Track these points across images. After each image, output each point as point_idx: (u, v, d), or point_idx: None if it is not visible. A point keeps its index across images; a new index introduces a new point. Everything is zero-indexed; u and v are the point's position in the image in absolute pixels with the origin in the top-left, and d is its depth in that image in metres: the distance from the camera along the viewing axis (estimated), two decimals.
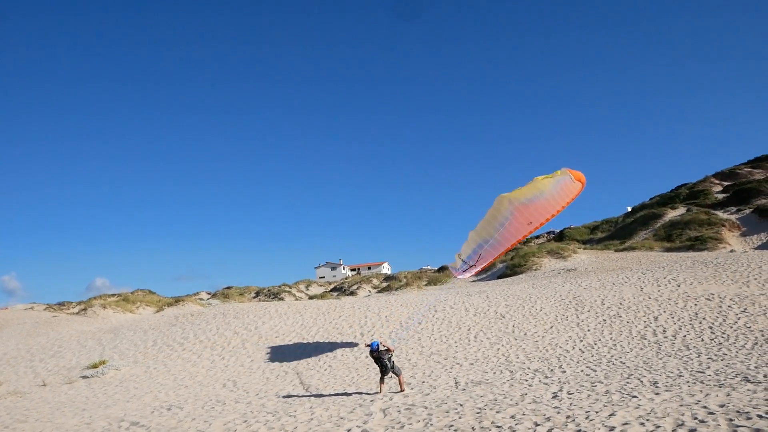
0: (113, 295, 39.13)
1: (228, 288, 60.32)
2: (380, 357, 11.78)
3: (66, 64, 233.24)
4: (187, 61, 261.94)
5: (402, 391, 11.84)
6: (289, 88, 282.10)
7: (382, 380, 12.17)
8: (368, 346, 12.36)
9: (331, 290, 56.99)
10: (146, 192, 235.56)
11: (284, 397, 12.82)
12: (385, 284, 49.95)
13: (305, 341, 20.37)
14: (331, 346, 19.19)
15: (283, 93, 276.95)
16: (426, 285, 41.75)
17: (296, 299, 51.73)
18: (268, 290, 56.38)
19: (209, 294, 57.01)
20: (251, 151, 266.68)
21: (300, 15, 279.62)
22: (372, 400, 11.09)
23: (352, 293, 50.73)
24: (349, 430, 8.72)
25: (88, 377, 17.95)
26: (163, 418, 11.14)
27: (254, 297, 53.56)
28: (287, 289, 57.14)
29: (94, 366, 18.90)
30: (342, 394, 12.40)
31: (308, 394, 12.97)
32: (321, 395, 12.62)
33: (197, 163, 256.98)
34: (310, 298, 49.48)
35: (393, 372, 11.92)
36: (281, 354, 18.92)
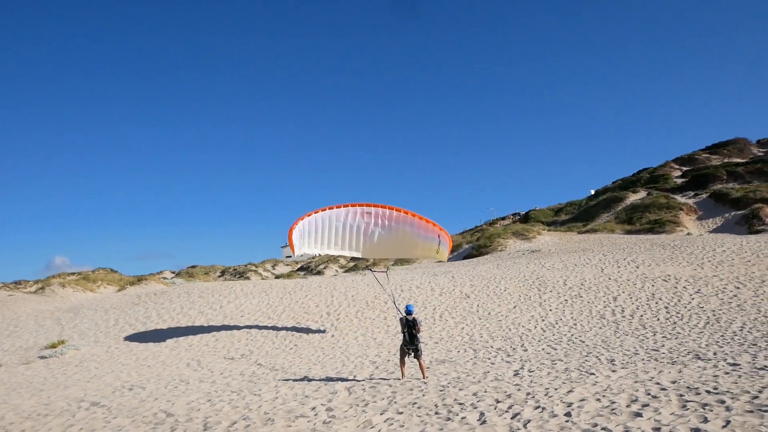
0: (73, 273, 38.04)
1: (193, 267, 59.58)
2: (414, 323, 10.52)
3: (25, 55, 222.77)
4: (160, 48, 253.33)
5: (424, 377, 10.50)
6: (258, 70, 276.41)
7: (402, 362, 10.83)
8: (407, 313, 10.73)
9: (298, 269, 56.76)
10: (107, 170, 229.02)
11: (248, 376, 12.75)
12: (352, 264, 49.98)
13: (271, 320, 20.28)
14: (297, 326, 19.18)
15: (251, 75, 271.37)
16: (393, 264, 41.97)
17: (262, 278, 51.39)
18: (234, 269, 55.88)
19: (173, 273, 56.14)
20: (215, 129, 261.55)
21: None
22: (337, 380, 11.14)
23: (319, 272, 50.66)
24: (314, 408, 8.74)
25: (46, 357, 17.49)
26: (125, 398, 10.96)
27: (219, 276, 53.00)
28: (253, 268, 56.70)
29: (53, 346, 18.41)
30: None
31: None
32: (287, 375, 12.61)
33: (160, 141, 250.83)
34: (277, 277, 49.20)
35: (418, 350, 10.58)
36: (247, 333, 18.80)
